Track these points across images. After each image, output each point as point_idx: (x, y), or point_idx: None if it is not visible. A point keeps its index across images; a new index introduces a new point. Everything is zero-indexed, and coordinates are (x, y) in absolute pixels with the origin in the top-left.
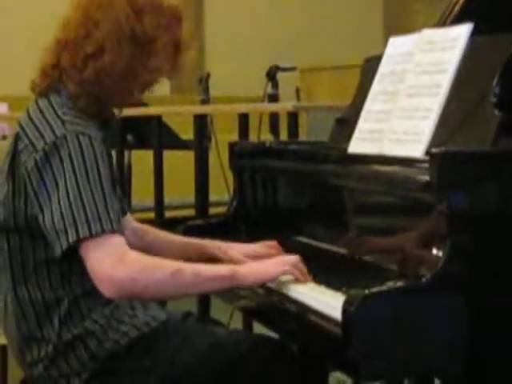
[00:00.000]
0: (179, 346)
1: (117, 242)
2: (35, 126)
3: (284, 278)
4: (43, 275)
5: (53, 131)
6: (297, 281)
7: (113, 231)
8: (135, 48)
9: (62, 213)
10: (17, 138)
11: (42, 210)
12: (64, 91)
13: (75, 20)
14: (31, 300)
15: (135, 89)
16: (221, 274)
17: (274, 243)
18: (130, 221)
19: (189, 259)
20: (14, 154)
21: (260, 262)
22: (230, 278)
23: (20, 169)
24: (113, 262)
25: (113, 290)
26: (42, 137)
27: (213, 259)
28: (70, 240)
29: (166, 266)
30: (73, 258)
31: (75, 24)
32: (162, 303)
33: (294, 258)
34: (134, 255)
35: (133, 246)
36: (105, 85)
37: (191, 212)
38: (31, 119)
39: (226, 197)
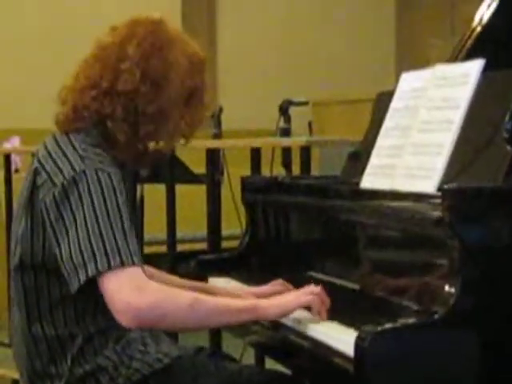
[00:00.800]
0: (191, 382)
1: (136, 272)
2: (54, 161)
3: (297, 313)
4: (58, 313)
5: (72, 166)
6: (313, 315)
7: (133, 263)
8: (188, 103)
9: (80, 247)
10: (35, 172)
11: (58, 245)
12: (95, 133)
13: (128, 71)
14: (45, 337)
15: (179, 139)
16: (242, 307)
17: (279, 281)
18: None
19: None
20: (33, 189)
21: (282, 296)
22: (251, 311)
23: (39, 204)
24: (132, 291)
25: (131, 319)
26: (61, 172)
27: None
28: (90, 274)
29: (185, 296)
30: (87, 294)
31: (130, 77)
32: (174, 338)
33: (317, 289)
34: (153, 285)
35: None
36: (160, 141)
37: (203, 246)
38: (50, 154)
39: (238, 231)
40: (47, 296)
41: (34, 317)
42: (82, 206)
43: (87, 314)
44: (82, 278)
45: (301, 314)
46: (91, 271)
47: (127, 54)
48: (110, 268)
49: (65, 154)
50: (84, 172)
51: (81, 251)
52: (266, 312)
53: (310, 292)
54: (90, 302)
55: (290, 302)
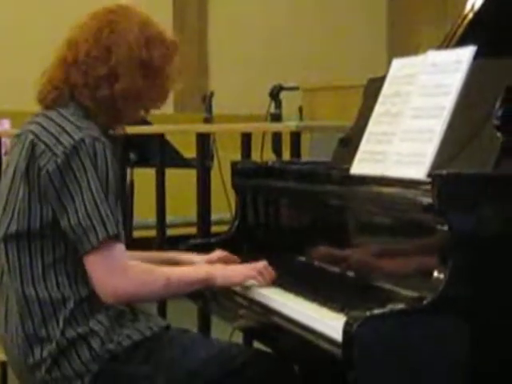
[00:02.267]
0: (180, 354)
1: (118, 252)
2: (50, 132)
3: (284, 298)
4: (50, 276)
5: (70, 136)
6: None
7: (116, 236)
8: (145, 74)
9: (87, 212)
10: (32, 144)
11: (66, 211)
12: (75, 106)
13: (85, 41)
14: (38, 299)
15: (141, 110)
16: (199, 278)
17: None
18: None
19: None
20: (30, 160)
21: (230, 267)
22: (206, 281)
23: (38, 173)
24: (114, 274)
25: (109, 298)
26: (60, 142)
27: None
28: (100, 236)
29: (159, 278)
30: (78, 260)
31: (85, 45)
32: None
33: (260, 264)
34: (133, 268)
35: None
36: (118, 106)
37: (193, 230)
38: (43, 127)
39: (227, 215)
40: (40, 260)
41: (27, 280)
42: (86, 173)
43: (79, 278)
44: (95, 240)
45: (289, 298)
46: (101, 234)
47: (86, 27)
48: (117, 233)
49: (60, 126)
50: (83, 140)
51: (89, 216)
52: (218, 281)
53: (255, 268)
54: (81, 267)
55: (237, 273)
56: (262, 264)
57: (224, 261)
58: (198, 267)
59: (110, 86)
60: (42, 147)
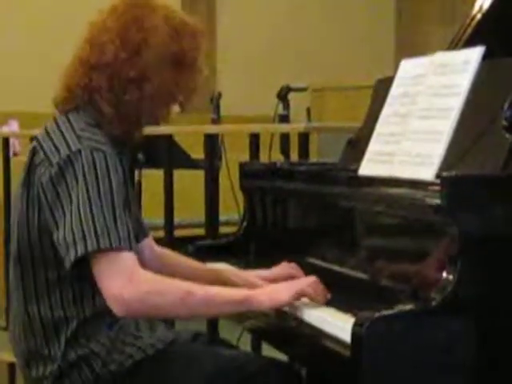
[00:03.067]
0: (184, 369)
1: (127, 259)
2: (51, 140)
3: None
4: (55, 294)
5: (68, 146)
6: (311, 301)
7: (120, 248)
8: (177, 70)
9: (72, 226)
10: (34, 151)
11: (56, 225)
12: (89, 112)
13: (110, 42)
14: (40, 316)
15: (172, 107)
16: (234, 299)
17: (293, 264)
18: (152, 244)
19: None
20: (30, 168)
21: (275, 286)
22: (242, 303)
23: (36, 183)
24: (122, 281)
25: (121, 310)
26: (58, 151)
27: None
28: (79, 253)
29: (176, 289)
30: (85, 276)
31: (112, 46)
32: (171, 323)
33: (309, 279)
34: (144, 276)
35: (152, 269)
36: (144, 108)
37: (201, 231)
38: (48, 134)
39: (235, 216)
40: (44, 276)
41: (30, 296)
42: (77, 185)
43: (85, 295)
44: (72, 256)
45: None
46: (80, 250)
47: (108, 26)
48: (99, 249)
49: (62, 134)
50: (79, 151)
51: (72, 231)
52: (259, 304)
53: (306, 284)
54: (87, 283)
55: (283, 296)
56: (311, 279)
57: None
58: (238, 288)
59: (138, 89)
60: (41, 156)
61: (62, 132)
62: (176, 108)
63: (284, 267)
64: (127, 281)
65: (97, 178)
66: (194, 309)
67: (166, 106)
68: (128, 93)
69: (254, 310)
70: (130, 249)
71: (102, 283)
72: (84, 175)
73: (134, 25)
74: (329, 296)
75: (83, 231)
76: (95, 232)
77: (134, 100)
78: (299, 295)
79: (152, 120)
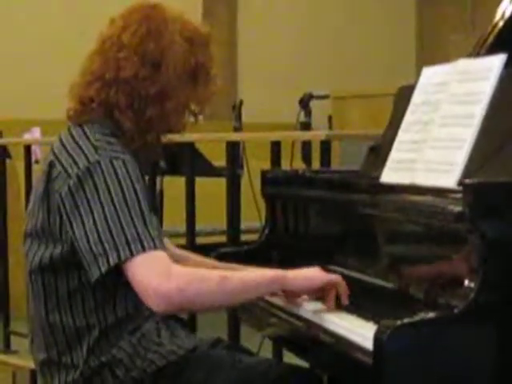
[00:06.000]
0: (206, 376)
1: (160, 256)
2: (68, 152)
3: (313, 306)
4: (77, 302)
5: (86, 157)
6: (329, 304)
7: (155, 248)
8: (194, 82)
9: (99, 236)
10: (51, 165)
11: (75, 235)
12: (109, 125)
13: (127, 59)
14: (63, 326)
15: (185, 120)
16: (268, 277)
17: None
18: (170, 246)
19: None
20: (48, 182)
21: (308, 268)
22: (277, 280)
23: (54, 196)
24: (159, 275)
25: (161, 304)
26: (76, 163)
27: None
28: (111, 263)
29: (211, 276)
30: (107, 284)
31: (129, 63)
32: (192, 330)
33: (339, 276)
34: (179, 268)
35: None
36: (164, 122)
37: (222, 238)
38: (64, 146)
39: (257, 224)
40: (66, 286)
41: (52, 306)
42: (98, 195)
43: (107, 303)
44: (104, 267)
45: (318, 306)
46: (113, 260)
47: (124, 42)
48: (132, 255)
49: (79, 146)
50: (98, 162)
51: (100, 240)
52: (292, 282)
53: (338, 277)
54: (109, 291)
55: (317, 276)
56: (340, 277)
57: None
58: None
59: (159, 104)
60: (58, 169)
61: (78, 144)
62: (190, 118)
63: None
64: (165, 276)
65: (120, 185)
66: (232, 293)
67: (183, 118)
68: (149, 109)
69: (288, 287)
70: (162, 248)
71: (137, 281)
72: (106, 184)
73: (150, 40)
74: (346, 302)
75: (113, 240)
76: (126, 240)
77: (154, 116)
78: (333, 281)
79: (170, 133)
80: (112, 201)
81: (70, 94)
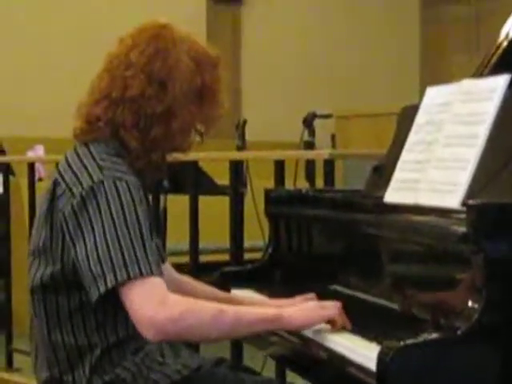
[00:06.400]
0: None
1: (157, 284)
2: (73, 171)
3: (318, 326)
4: (78, 321)
5: (90, 177)
6: (333, 329)
7: (152, 273)
8: (200, 102)
9: (99, 257)
10: (55, 183)
11: (76, 254)
12: (113, 142)
13: (133, 77)
14: (64, 344)
15: (191, 140)
16: (265, 317)
17: (312, 295)
18: (170, 270)
19: None
20: (52, 200)
21: (305, 306)
22: (274, 321)
23: (58, 214)
24: (154, 304)
25: (155, 333)
26: (80, 182)
27: None
28: (109, 285)
29: (207, 308)
30: (108, 304)
31: (135, 82)
32: (195, 349)
33: (337, 304)
34: (175, 297)
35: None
36: (169, 142)
37: (226, 257)
38: (69, 165)
39: (260, 242)
40: (67, 305)
41: (54, 325)
42: (101, 215)
43: (108, 323)
44: (102, 288)
45: (322, 326)
46: (110, 282)
47: (132, 61)
48: (129, 278)
49: (84, 165)
50: (102, 182)
51: (100, 261)
52: (290, 323)
53: (333, 306)
54: (110, 311)
55: (315, 315)
56: (338, 304)
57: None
58: (267, 306)
59: (165, 124)
60: (63, 187)
61: (83, 163)
62: (196, 138)
63: (303, 298)
64: (159, 304)
65: (122, 207)
66: (227, 327)
67: (189, 137)
68: (154, 128)
69: (286, 328)
70: (159, 274)
71: (133, 309)
72: (109, 206)
73: (157, 59)
74: (349, 327)
75: (112, 262)
76: (124, 262)
77: (160, 135)
78: (330, 318)
79: (175, 152)
80: (113, 222)
81: (77, 113)
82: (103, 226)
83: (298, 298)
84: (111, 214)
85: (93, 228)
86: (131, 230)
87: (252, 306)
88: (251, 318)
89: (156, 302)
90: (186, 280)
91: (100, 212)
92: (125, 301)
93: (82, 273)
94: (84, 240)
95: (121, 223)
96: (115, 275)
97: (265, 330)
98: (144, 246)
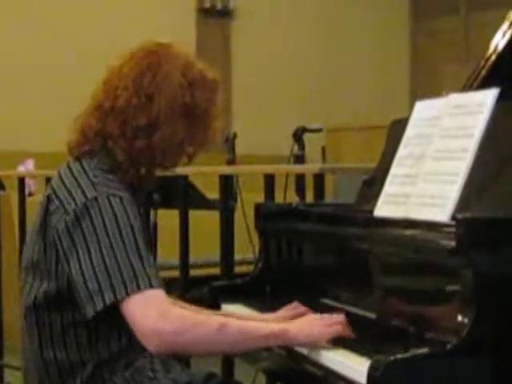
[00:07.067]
0: None
1: (156, 295)
2: (66, 188)
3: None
4: (70, 337)
5: (84, 193)
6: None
7: (151, 286)
8: (188, 121)
9: (95, 273)
10: (48, 199)
11: (71, 271)
12: (103, 157)
13: (124, 88)
14: (56, 360)
15: (181, 158)
16: (269, 332)
17: (295, 303)
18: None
19: None
20: (46, 216)
21: (310, 320)
22: (279, 336)
23: (51, 231)
24: (156, 316)
25: (157, 344)
26: (73, 199)
27: None
28: (107, 301)
29: (211, 322)
30: (102, 320)
31: (125, 92)
32: (186, 364)
33: (341, 317)
34: (178, 310)
35: None
36: (155, 156)
37: (216, 271)
38: (62, 181)
39: (250, 256)
40: (60, 322)
41: (46, 342)
42: (96, 232)
43: (100, 338)
44: (99, 305)
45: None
46: (108, 299)
47: (124, 73)
48: (127, 294)
49: (77, 181)
50: (96, 199)
51: (96, 278)
52: (295, 339)
53: (338, 322)
54: (104, 326)
55: (320, 333)
56: (342, 317)
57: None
58: (270, 322)
59: (148, 136)
60: (56, 203)
61: (76, 179)
62: (184, 159)
63: (289, 308)
64: (161, 316)
65: (117, 222)
66: (229, 341)
67: (176, 156)
68: (138, 140)
69: (290, 344)
70: (159, 286)
71: (135, 322)
72: (103, 221)
73: (148, 72)
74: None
75: (110, 278)
76: (122, 278)
77: (143, 147)
78: (337, 334)
79: (162, 167)
80: (108, 238)
81: (73, 126)
82: (98, 242)
83: (282, 311)
84: (106, 229)
85: (87, 244)
86: (127, 244)
87: (257, 321)
88: (255, 332)
89: (156, 314)
90: (180, 304)
91: (94, 228)
92: (125, 314)
93: (77, 290)
94: (78, 257)
95: (116, 238)
96: (114, 292)
97: (268, 345)
98: (141, 259)
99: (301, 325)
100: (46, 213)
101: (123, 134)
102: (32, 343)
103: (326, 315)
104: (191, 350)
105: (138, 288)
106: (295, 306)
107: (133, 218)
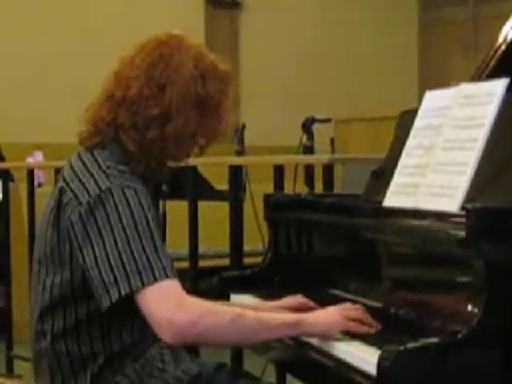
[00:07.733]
0: None
1: (172, 286)
2: (79, 179)
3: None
4: (83, 331)
5: (97, 184)
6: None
7: (166, 277)
8: (200, 112)
9: (110, 264)
10: (61, 191)
11: (85, 262)
12: (115, 149)
13: (135, 78)
14: (68, 352)
15: (193, 149)
16: (286, 322)
17: (299, 296)
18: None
19: None
20: (59, 208)
21: (327, 310)
22: (295, 326)
23: (65, 222)
24: (171, 306)
25: (173, 335)
26: (87, 190)
27: None
28: (123, 292)
29: (226, 312)
30: (115, 312)
31: (136, 82)
32: (195, 355)
33: (359, 308)
34: (193, 300)
35: None
36: (167, 147)
37: (225, 262)
38: (75, 172)
39: (260, 246)
40: (74, 315)
41: (58, 335)
42: (110, 223)
43: (113, 330)
44: (114, 296)
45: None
46: (124, 290)
47: (136, 63)
48: (143, 285)
49: (90, 172)
50: (110, 190)
51: (112, 270)
52: (312, 329)
53: (354, 314)
54: (117, 320)
55: (336, 323)
56: (359, 307)
57: (301, 308)
58: (285, 312)
59: (160, 127)
60: (69, 195)
61: (88, 170)
62: (196, 151)
63: (293, 299)
64: (176, 307)
65: (132, 213)
66: (245, 332)
67: (188, 147)
68: (150, 130)
69: (307, 334)
70: (174, 277)
71: (150, 313)
72: (118, 213)
73: (160, 62)
74: (373, 330)
75: (125, 269)
76: (137, 269)
77: (155, 138)
78: (350, 328)
79: (173, 159)
80: (123, 229)
81: (84, 117)
82: (113, 233)
83: (286, 299)
84: (121, 220)
85: (102, 236)
86: (142, 236)
87: (274, 312)
88: (271, 322)
89: (173, 304)
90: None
91: (109, 219)
92: (141, 305)
93: (93, 281)
94: (93, 249)
95: (131, 229)
96: (129, 283)
97: (284, 336)
98: (156, 250)
99: (317, 315)
100: (59, 205)
101: (135, 124)
102: (45, 337)
103: (345, 304)
104: (207, 339)
105: (154, 279)
106: (299, 298)
107: (147, 209)
